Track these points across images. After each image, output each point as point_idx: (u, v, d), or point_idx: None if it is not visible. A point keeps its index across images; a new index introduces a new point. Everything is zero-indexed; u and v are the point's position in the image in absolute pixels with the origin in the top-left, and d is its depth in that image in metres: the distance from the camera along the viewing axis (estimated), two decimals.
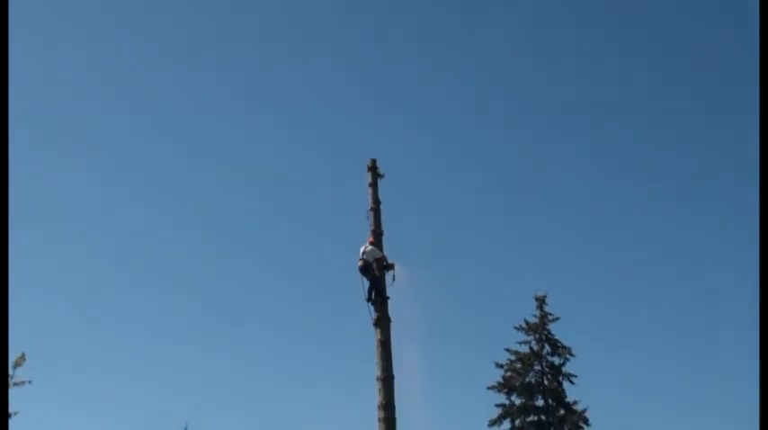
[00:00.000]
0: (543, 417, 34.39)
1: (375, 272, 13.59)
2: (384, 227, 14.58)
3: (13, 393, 10.69)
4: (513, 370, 35.22)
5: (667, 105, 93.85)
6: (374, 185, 14.78)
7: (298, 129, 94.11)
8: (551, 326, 36.04)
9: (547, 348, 35.75)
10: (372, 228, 14.43)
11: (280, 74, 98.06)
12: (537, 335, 35.90)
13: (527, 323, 36.11)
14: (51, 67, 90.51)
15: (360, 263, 13.70)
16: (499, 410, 34.38)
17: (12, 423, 10.52)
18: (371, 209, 14.66)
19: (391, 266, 13.80)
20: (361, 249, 13.90)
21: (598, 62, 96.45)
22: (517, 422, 34.19)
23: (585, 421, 34.10)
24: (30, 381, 10.91)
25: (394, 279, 13.69)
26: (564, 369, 35.34)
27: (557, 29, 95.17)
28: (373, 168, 14.84)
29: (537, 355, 35.53)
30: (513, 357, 35.55)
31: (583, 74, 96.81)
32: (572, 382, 35.08)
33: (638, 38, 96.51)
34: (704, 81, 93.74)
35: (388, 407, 12.04)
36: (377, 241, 14.12)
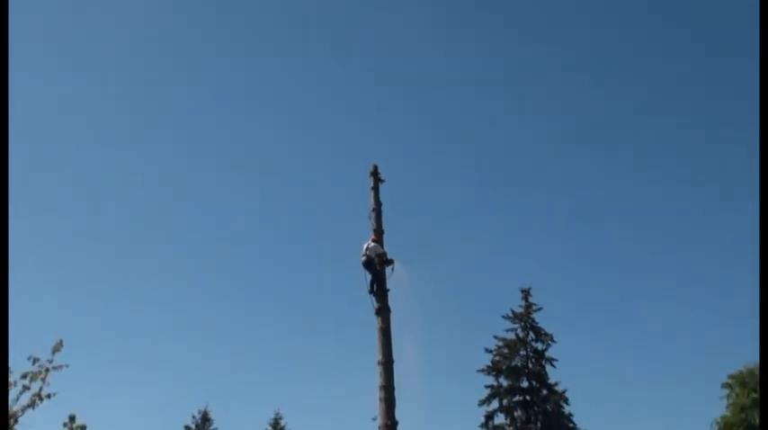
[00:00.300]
0: (528, 397, 34.49)
1: (377, 266, 13.58)
2: (384, 226, 14.57)
3: (52, 376, 10.74)
4: (501, 354, 35.32)
5: (652, 104, 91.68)
6: (376, 189, 14.76)
7: (309, 136, 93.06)
8: (535, 316, 36.21)
9: (531, 335, 35.87)
10: (374, 227, 14.40)
11: (293, 83, 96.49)
12: (522, 324, 36.02)
13: (513, 313, 36.23)
14: (52, 68, 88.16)
15: (363, 258, 13.68)
16: (488, 391, 34.53)
17: (50, 404, 10.57)
18: (373, 210, 14.62)
19: (391, 261, 13.80)
20: (364, 246, 13.89)
21: (584, 63, 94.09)
22: (504, 401, 34.30)
23: (566, 400, 34.25)
24: (67, 366, 10.95)
25: (393, 271, 13.68)
26: (546, 354, 35.51)
27: (550, 31, 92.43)
28: (375, 173, 14.83)
29: (522, 342, 35.64)
30: (500, 343, 35.67)
31: (573, 77, 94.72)
32: (553, 366, 35.24)
33: (632, 38, 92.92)
34: (689, 78, 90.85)
35: (388, 388, 12.05)
36: (378, 239, 14.11)
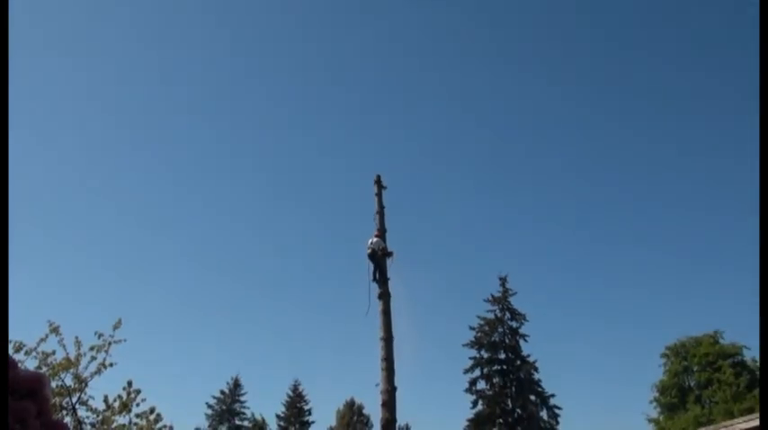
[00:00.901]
0: (504, 367, 34.07)
1: (379, 257, 13.19)
2: (387, 225, 14.19)
3: (113, 349, 10.43)
4: (482, 331, 34.90)
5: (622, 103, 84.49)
6: (379, 194, 14.38)
7: (325, 149, 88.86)
8: (511, 299, 35.81)
9: (507, 315, 35.44)
10: (378, 226, 14.02)
11: (312, 98, 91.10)
12: (500, 306, 35.60)
13: (493, 296, 35.83)
14: (55, 70, 79.98)
15: (368, 250, 13.29)
16: (471, 361, 34.16)
17: (110, 371, 10.25)
18: (377, 212, 14.25)
19: (391, 253, 13.41)
20: (369, 241, 13.51)
21: (582, 65, 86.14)
22: (485, 370, 33.91)
23: (536, 369, 33.82)
24: (125, 340, 10.62)
25: (392, 261, 13.30)
26: (520, 330, 35.07)
27: (543, 34, 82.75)
28: (378, 182, 14.45)
29: (500, 321, 35.21)
30: (482, 322, 35.26)
31: (570, 78, 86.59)
32: (526, 341, 34.81)
33: (630, 40, 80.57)
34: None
35: (388, 359, 11.64)
36: (381, 235, 13.73)
